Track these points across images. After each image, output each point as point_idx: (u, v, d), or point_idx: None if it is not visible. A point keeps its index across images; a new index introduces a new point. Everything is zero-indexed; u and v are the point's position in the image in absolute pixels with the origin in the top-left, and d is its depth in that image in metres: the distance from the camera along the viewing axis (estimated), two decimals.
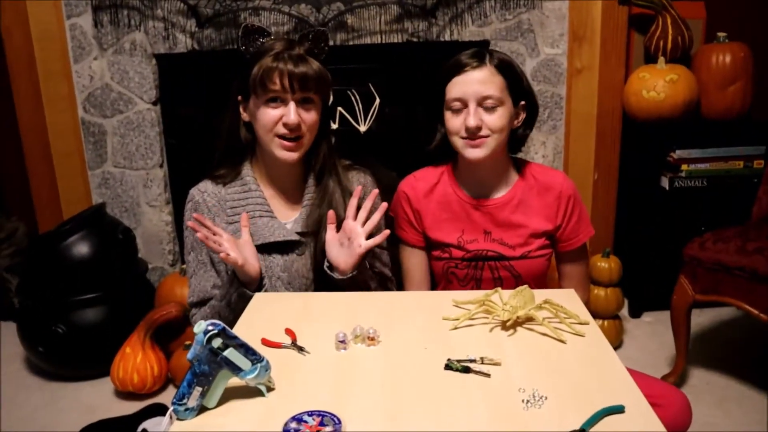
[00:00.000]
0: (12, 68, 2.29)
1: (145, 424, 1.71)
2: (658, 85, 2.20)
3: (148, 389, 1.94)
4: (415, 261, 1.44)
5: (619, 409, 0.82)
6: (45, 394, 2.01)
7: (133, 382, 1.91)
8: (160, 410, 1.83)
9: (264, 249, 1.30)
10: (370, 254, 1.38)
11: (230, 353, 0.85)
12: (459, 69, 1.28)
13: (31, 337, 2.04)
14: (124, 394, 1.96)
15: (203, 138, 2.27)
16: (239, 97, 1.31)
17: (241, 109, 1.32)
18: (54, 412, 1.91)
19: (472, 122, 1.26)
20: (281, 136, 1.26)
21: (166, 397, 1.96)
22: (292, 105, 1.24)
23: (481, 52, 1.30)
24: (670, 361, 2.04)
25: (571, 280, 1.42)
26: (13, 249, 2.43)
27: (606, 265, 2.19)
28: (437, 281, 1.46)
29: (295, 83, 1.23)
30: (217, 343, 0.84)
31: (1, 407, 1.94)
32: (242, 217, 1.27)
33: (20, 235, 2.48)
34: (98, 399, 1.97)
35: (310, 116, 1.27)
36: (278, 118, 1.24)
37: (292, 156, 1.27)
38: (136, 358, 1.92)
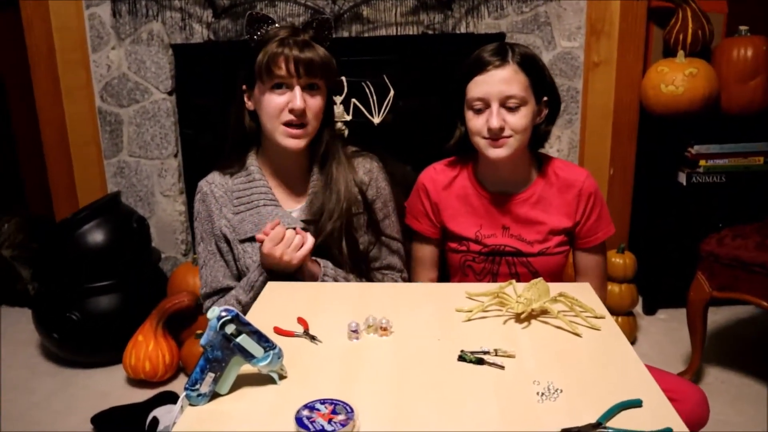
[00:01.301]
0: (32, 58, 2.32)
1: (156, 412, 1.72)
2: (677, 79, 2.17)
3: (159, 377, 1.95)
4: (427, 251, 1.44)
5: (636, 403, 0.81)
6: (58, 380, 2.03)
7: (144, 370, 1.92)
8: (171, 398, 1.84)
9: None
10: (374, 247, 1.39)
11: (243, 340, 0.85)
12: (481, 67, 1.25)
13: (46, 324, 2.06)
14: (135, 381, 1.98)
15: (218, 128, 2.29)
16: (244, 86, 1.31)
17: (245, 98, 1.31)
18: (66, 397, 1.93)
19: (495, 123, 1.23)
20: (287, 124, 1.25)
21: (177, 385, 1.97)
22: (297, 90, 1.23)
23: (503, 48, 1.26)
24: (685, 358, 2.02)
25: (587, 278, 1.39)
26: (8, 243, 2.46)
27: (621, 260, 2.17)
28: (453, 273, 1.45)
29: (301, 68, 1.22)
30: (230, 329, 0.84)
31: (14, 392, 1.96)
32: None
33: (11, 230, 2.50)
34: (110, 386, 1.99)
35: (316, 102, 1.26)
36: (284, 104, 1.24)
37: (298, 144, 1.27)
38: (148, 346, 1.93)
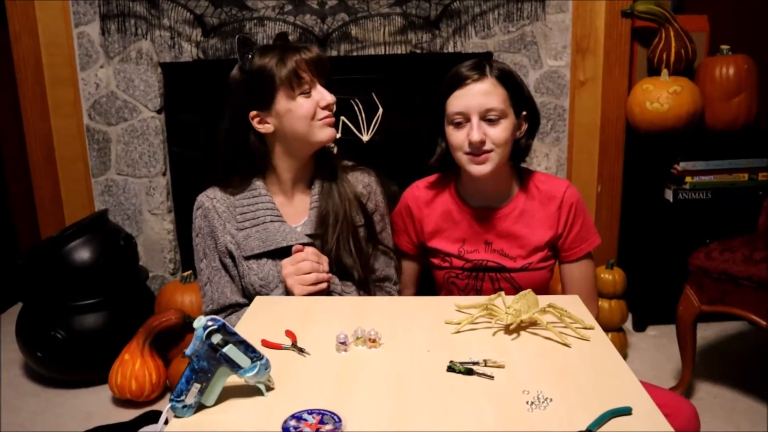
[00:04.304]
0: (19, 74, 2.31)
1: (142, 431, 1.69)
2: (661, 97, 2.20)
3: (145, 397, 1.92)
4: (405, 265, 1.46)
5: (626, 411, 0.80)
6: (42, 401, 1.99)
7: (131, 389, 1.89)
8: (157, 418, 1.80)
9: (276, 254, 1.29)
10: (373, 259, 1.39)
11: (230, 350, 0.84)
12: (460, 82, 1.26)
13: (30, 342, 2.02)
14: (121, 401, 1.94)
15: (207, 147, 2.29)
16: (253, 113, 1.28)
17: (256, 124, 1.28)
18: (51, 418, 1.89)
19: (475, 136, 1.24)
20: (321, 118, 1.29)
21: (164, 405, 1.94)
22: (320, 88, 1.28)
23: (480, 63, 1.28)
24: (676, 374, 2.02)
25: (575, 292, 1.37)
26: None
27: (610, 276, 2.18)
28: (438, 290, 1.45)
29: (318, 65, 1.28)
30: (216, 339, 0.83)
31: None
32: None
33: None
34: (96, 406, 1.95)
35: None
36: (315, 103, 1.28)
37: (334, 132, 1.31)
38: (135, 365, 1.90)
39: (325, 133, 1.29)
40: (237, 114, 1.29)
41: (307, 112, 1.27)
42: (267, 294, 1.28)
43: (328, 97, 1.28)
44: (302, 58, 1.25)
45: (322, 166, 1.36)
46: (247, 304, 1.31)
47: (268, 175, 1.35)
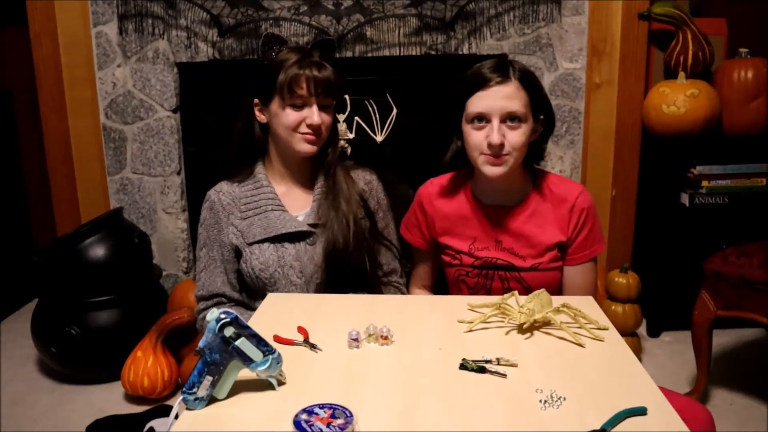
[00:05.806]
0: (39, 73, 2.35)
1: (153, 423, 1.70)
2: (678, 100, 2.18)
3: (157, 394, 1.92)
4: (420, 259, 1.47)
5: (641, 411, 0.79)
6: (56, 396, 2.01)
7: (143, 386, 1.90)
8: (167, 411, 1.81)
9: (277, 240, 1.35)
10: (379, 252, 1.42)
11: (242, 343, 0.84)
12: (483, 83, 1.25)
13: (45, 338, 2.04)
14: (133, 397, 1.95)
15: (221, 146, 2.30)
16: (256, 100, 1.37)
17: (257, 112, 1.38)
18: (64, 413, 1.91)
19: (496, 139, 1.23)
20: (302, 132, 1.33)
21: (175, 401, 1.94)
22: (315, 108, 1.33)
23: (503, 64, 1.27)
24: (691, 380, 1.99)
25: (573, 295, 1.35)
26: None
27: (624, 281, 2.15)
28: (449, 289, 1.44)
29: (320, 88, 1.31)
30: (229, 332, 0.83)
31: (11, 407, 1.93)
32: None
33: None
34: (108, 402, 1.96)
35: (328, 118, 1.36)
36: (302, 119, 1.32)
37: (312, 149, 1.35)
38: (147, 362, 1.92)
39: (302, 147, 1.35)
40: (249, 97, 1.39)
41: (288, 122, 1.32)
42: (266, 279, 1.33)
43: (315, 119, 1.31)
44: (305, 75, 1.30)
45: (323, 162, 1.41)
46: (234, 298, 1.40)
47: (269, 166, 1.42)
